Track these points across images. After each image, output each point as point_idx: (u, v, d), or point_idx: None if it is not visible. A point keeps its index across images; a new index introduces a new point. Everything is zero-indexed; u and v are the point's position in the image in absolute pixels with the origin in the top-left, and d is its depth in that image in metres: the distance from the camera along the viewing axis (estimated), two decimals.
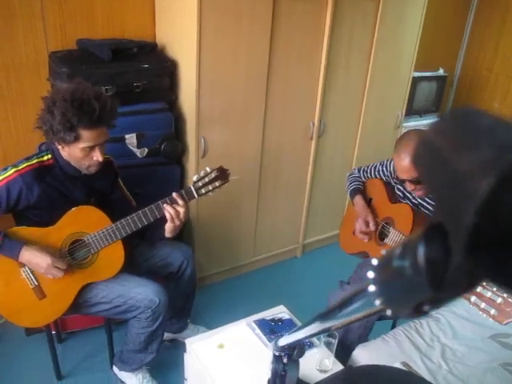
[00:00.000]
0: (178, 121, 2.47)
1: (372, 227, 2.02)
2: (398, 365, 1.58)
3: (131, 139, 2.31)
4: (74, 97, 1.66)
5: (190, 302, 2.31)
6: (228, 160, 2.53)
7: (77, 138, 1.68)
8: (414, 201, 1.97)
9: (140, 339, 1.95)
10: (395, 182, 2.08)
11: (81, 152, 1.73)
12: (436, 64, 3.57)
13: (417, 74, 3.25)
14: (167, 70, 2.36)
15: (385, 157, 3.37)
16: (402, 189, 2.03)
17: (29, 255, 1.71)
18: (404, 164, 1.72)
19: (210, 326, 2.51)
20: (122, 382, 2.14)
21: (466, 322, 2.06)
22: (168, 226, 1.88)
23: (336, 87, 2.85)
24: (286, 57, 2.55)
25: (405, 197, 2.01)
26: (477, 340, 1.97)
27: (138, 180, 2.41)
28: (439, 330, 2.00)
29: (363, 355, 1.84)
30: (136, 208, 2.13)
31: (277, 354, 1.03)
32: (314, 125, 2.84)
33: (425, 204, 1.94)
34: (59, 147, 1.76)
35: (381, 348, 1.86)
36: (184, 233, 2.71)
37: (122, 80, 2.22)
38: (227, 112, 2.48)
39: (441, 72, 3.49)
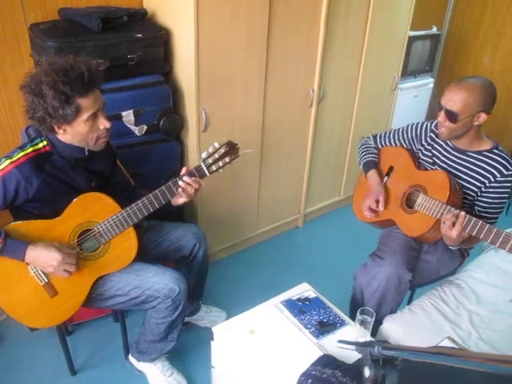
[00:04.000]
0: (175, 94, 2.31)
1: (381, 208, 1.99)
2: (446, 342, 1.54)
3: (128, 116, 2.15)
4: (56, 67, 1.51)
5: (202, 283, 2.22)
6: (230, 132, 2.42)
7: (78, 110, 1.54)
8: (443, 166, 1.91)
9: (160, 329, 1.86)
10: (421, 146, 1.99)
11: (85, 125, 1.58)
12: (429, 22, 3.47)
13: (411, 34, 3.14)
14: (161, 39, 2.18)
15: (382, 119, 3.33)
16: (429, 153, 1.96)
17: (35, 255, 1.56)
18: (451, 92, 1.72)
19: (221, 305, 2.46)
20: (140, 371, 2.06)
21: (487, 286, 2.05)
22: (181, 201, 1.78)
23: (334, 52, 2.72)
24: (286, 22, 2.40)
25: (433, 162, 1.94)
26: (499, 304, 1.96)
27: (138, 159, 2.27)
28: (463, 296, 1.98)
29: (394, 329, 1.81)
30: (135, 188, 2.01)
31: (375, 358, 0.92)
32: (313, 91, 2.72)
33: (456, 172, 1.88)
34: (60, 131, 1.60)
35: (410, 320, 1.83)
36: (186, 211, 2.60)
37: (115, 52, 2.04)
38: (227, 82, 2.33)
39: (434, 30, 3.39)
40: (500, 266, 2.16)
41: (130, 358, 2.07)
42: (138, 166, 2.25)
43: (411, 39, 3.14)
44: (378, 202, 2.01)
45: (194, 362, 2.17)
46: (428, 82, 3.46)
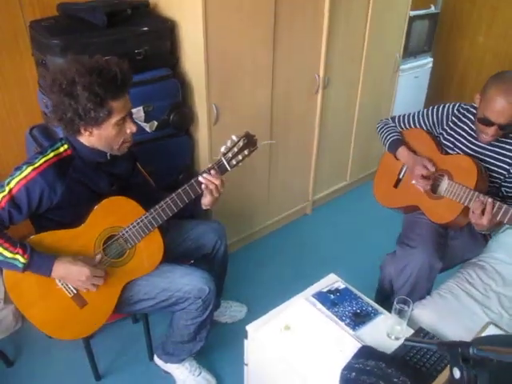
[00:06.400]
0: (183, 87, 2.23)
1: (433, 168, 1.88)
2: (491, 328, 1.54)
3: (138, 113, 2.08)
4: (91, 67, 1.44)
5: (222, 279, 2.19)
6: (240, 124, 2.36)
7: (110, 113, 1.49)
8: (467, 150, 1.88)
9: (189, 330, 1.83)
10: (443, 130, 1.96)
11: (113, 128, 1.53)
12: (424, 2, 3.43)
13: (411, 14, 3.10)
14: (168, 31, 2.11)
15: (385, 102, 3.30)
16: (451, 138, 1.93)
17: (63, 270, 1.51)
18: (503, 107, 1.61)
19: (240, 300, 2.44)
20: (167, 372, 2.03)
21: (510, 266, 2.06)
22: (207, 200, 1.73)
23: (338, 36, 2.68)
24: (291, 8, 2.34)
25: (455, 147, 1.91)
26: None
27: (149, 157, 2.19)
28: (488, 278, 1.98)
29: (425, 314, 1.79)
30: (156, 190, 1.95)
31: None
32: (319, 77, 2.68)
33: (480, 156, 1.85)
34: (86, 134, 1.53)
35: (441, 305, 1.82)
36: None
37: (123, 48, 1.96)
38: (236, 72, 2.27)
39: (432, 9, 3.35)
40: None
41: (156, 359, 2.03)
42: (149, 163, 2.18)
43: (411, 19, 3.10)
44: (425, 166, 1.90)
45: (220, 359, 2.15)
46: (427, 61, 3.44)
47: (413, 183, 1.98)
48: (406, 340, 1.07)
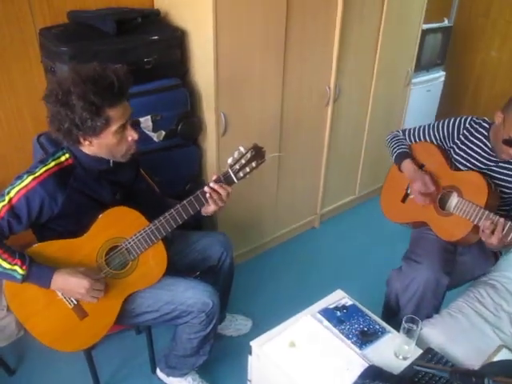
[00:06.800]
0: (191, 96, 2.22)
1: (432, 188, 1.86)
2: (504, 352, 1.48)
3: (146, 122, 2.06)
4: (87, 76, 1.42)
5: (227, 292, 2.15)
6: (248, 135, 2.34)
7: (107, 122, 1.45)
8: (479, 165, 1.84)
9: (192, 344, 1.79)
10: (454, 144, 1.92)
11: (114, 137, 1.50)
12: (436, 15, 3.41)
13: (424, 27, 3.07)
14: (178, 40, 2.10)
15: (396, 116, 3.27)
16: (462, 153, 1.89)
17: (62, 282, 1.48)
18: None
19: (246, 313, 2.39)
20: None
21: None
22: (211, 209, 1.70)
23: (350, 49, 2.66)
24: (303, 19, 2.33)
25: (466, 161, 1.87)
26: None
27: (156, 166, 2.17)
28: (500, 297, 1.92)
29: (434, 334, 1.74)
30: (160, 196, 1.93)
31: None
32: (330, 89, 2.65)
33: (491, 173, 1.81)
34: (85, 143, 1.51)
35: (450, 324, 1.77)
36: (207, 218, 2.52)
37: (132, 56, 1.95)
38: (246, 83, 2.25)
39: (446, 23, 3.32)
40: None
41: (159, 373, 1.99)
42: (157, 172, 2.16)
43: (424, 32, 3.07)
44: (426, 184, 1.88)
45: (223, 373, 2.11)
46: (440, 75, 3.40)
47: (411, 198, 1.95)
48: (416, 365, 1.03)
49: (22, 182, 1.47)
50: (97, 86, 1.40)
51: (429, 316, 1.84)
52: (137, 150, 1.66)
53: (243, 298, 2.50)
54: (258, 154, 1.68)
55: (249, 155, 1.66)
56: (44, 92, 1.48)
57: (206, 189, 1.63)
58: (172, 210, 1.64)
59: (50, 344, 1.58)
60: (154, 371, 2.07)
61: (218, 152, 2.29)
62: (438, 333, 1.75)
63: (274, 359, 1.56)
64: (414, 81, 3.18)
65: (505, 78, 3.71)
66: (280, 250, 2.94)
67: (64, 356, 2.08)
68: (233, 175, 1.67)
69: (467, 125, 1.89)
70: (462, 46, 3.87)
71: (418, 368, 1.01)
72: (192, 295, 1.69)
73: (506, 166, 1.78)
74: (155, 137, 2.11)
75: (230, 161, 1.67)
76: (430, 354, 1.52)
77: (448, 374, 0.92)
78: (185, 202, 1.65)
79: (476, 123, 1.87)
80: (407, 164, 1.96)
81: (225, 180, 1.67)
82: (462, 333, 1.73)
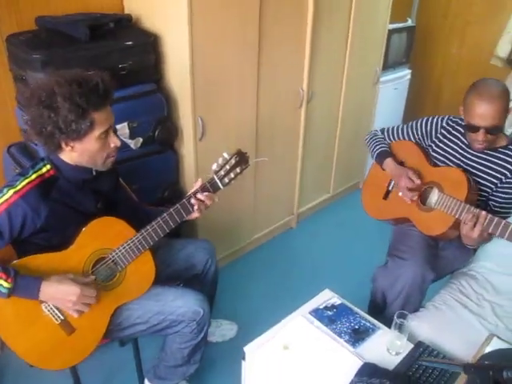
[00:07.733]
0: (167, 101, 2.18)
1: (418, 181, 1.89)
2: (495, 341, 1.52)
3: (123, 130, 2.02)
4: (71, 78, 1.39)
5: (212, 299, 2.12)
6: (226, 139, 2.33)
7: (92, 125, 1.41)
8: (458, 162, 1.89)
9: (183, 354, 1.76)
10: (432, 142, 1.97)
11: (96, 142, 1.46)
12: (403, 15, 3.49)
13: (390, 27, 3.14)
14: (152, 45, 2.06)
15: (367, 114, 3.32)
16: (440, 151, 1.94)
17: (51, 291, 1.42)
18: (484, 110, 1.66)
19: (230, 317, 2.37)
20: None
21: (499, 275, 2.06)
22: (194, 215, 1.69)
23: (321, 51, 2.69)
24: (275, 24, 2.34)
25: (444, 158, 1.92)
26: None
27: (134, 174, 2.13)
28: (480, 287, 1.98)
29: (422, 327, 1.77)
30: (139, 204, 1.89)
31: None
32: (303, 91, 2.67)
33: (469, 168, 1.86)
34: (67, 149, 1.46)
35: (436, 317, 1.81)
36: (187, 225, 2.48)
37: (106, 62, 1.90)
38: (222, 87, 2.24)
39: (409, 23, 3.41)
40: (505, 253, 2.19)
41: (147, 383, 1.95)
42: (134, 180, 2.11)
43: (390, 32, 3.14)
44: (410, 178, 1.91)
45: (213, 380, 2.08)
46: (406, 73, 3.48)
47: (399, 195, 1.99)
48: (423, 360, 1.04)
49: (3, 196, 1.41)
50: (82, 87, 1.37)
51: (415, 310, 1.87)
52: (116, 158, 1.62)
53: (226, 301, 2.48)
54: (242, 159, 1.69)
55: (233, 161, 1.66)
56: (20, 98, 1.42)
57: (193, 201, 1.62)
58: (159, 218, 1.61)
59: (37, 363, 1.51)
60: (141, 383, 2.02)
61: (196, 157, 2.26)
62: (425, 326, 1.78)
63: (269, 363, 1.56)
64: (381, 79, 3.25)
65: (465, 74, 3.83)
66: (259, 253, 2.93)
67: (47, 374, 2.00)
68: (218, 182, 1.66)
69: (444, 124, 1.94)
70: (425, 44, 3.97)
71: (425, 364, 1.02)
72: (182, 304, 1.66)
73: (482, 162, 1.84)
74: (132, 144, 2.06)
75: (214, 167, 1.66)
76: (421, 348, 1.55)
77: (462, 369, 0.93)
78: (171, 210, 1.62)
79: (453, 122, 1.94)
80: (389, 161, 2.00)
81: (211, 186, 1.66)
82: (449, 324, 1.78)
